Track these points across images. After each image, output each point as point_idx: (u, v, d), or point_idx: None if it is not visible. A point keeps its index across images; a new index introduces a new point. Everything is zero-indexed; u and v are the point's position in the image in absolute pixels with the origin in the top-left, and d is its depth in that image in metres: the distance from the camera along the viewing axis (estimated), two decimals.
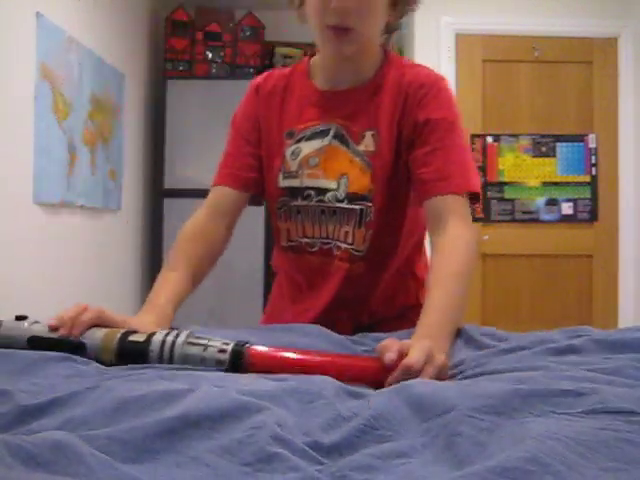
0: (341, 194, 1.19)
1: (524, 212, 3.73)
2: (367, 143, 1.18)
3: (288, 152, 1.23)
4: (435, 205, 1.13)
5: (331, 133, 1.20)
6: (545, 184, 3.73)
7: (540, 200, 3.73)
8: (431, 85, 1.17)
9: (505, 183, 3.72)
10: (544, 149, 3.73)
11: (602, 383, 0.71)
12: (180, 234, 1.29)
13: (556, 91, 3.75)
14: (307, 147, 1.21)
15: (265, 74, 1.40)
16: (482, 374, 0.84)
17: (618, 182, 3.73)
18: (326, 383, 0.75)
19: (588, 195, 3.73)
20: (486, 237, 3.70)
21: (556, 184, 3.73)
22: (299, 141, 1.23)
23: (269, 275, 3.88)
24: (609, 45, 3.74)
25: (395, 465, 0.56)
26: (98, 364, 0.87)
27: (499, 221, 3.72)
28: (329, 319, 1.18)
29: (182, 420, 0.58)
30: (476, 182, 1.17)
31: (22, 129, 2.43)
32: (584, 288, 3.74)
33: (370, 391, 0.78)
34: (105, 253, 3.36)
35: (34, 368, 0.82)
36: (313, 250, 1.24)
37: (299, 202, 1.23)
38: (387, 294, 1.27)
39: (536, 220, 3.73)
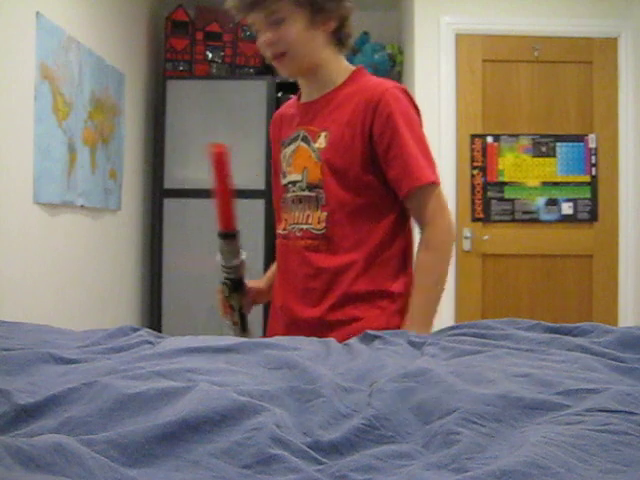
0: (304, 184, 1.44)
1: (524, 212, 3.73)
2: (321, 141, 1.42)
3: (282, 157, 1.53)
4: (410, 203, 1.41)
5: (300, 137, 1.47)
6: (545, 184, 3.73)
7: (540, 200, 3.73)
8: (380, 100, 1.37)
9: (505, 183, 3.72)
10: (544, 149, 3.73)
11: (604, 383, 0.71)
12: None
13: (556, 91, 3.75)
14: (288, 150, 1.50)
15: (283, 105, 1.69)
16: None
17: (618, 182, 3.73)
18: (323, 379, 0.75)
19: (588, 195, 3.73)
20: (486, 237, 3.70)
21: (556, 184, 3.73)
22: (286, 147, 1.52)
23: None
24: (609, 45, 3.74)
25: (395, 466, 0.56)
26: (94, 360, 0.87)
27: (499, 221, 3.72)
28: (298, 295, 1.44)
29: (181, 424, 0.58)
30: (430, 172, 1.38)
31: (22, 129, 2.42)
32: (584, 288, 3.73)
33: (368, 388, 0.78)
34: (105, 253, 3.36)
35: (31, 367, 0.82)
36: (286, 234, 1.50)
37: (285, 195, 1.51)
38: (349, 278, 1.41)
39: (536, 220, 3.73)
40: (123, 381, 0.72)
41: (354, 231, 1.41)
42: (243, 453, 0.56)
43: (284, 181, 1.51)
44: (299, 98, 1.57)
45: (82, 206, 2.96)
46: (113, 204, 3.39)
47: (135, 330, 1.26)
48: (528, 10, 3.69)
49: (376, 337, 1.24)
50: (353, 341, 1.19)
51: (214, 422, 0.60)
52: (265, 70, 4.05)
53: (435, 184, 1.39)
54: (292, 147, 1.48)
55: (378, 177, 1.40)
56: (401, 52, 4.06)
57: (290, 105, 1.60)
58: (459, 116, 3.69)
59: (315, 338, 1.25)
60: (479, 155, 3.70)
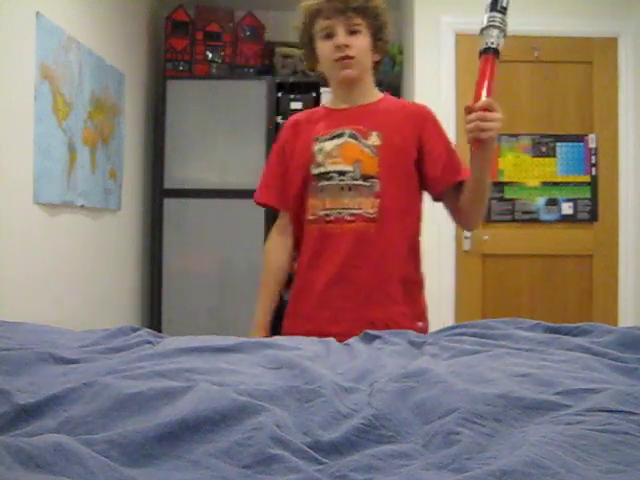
0: (357, 174, 1.63)
1: (524, 212, 3.73)
2: (373, 140, 1.65)
3: (316, 149, 1.68)
4: (449, 194, 1.68)
5: (346, 134, 1.67)
6: (545, 184, 3.72)
7: (540, 200, 3.72)
8: (427, 112, 1.73)
9: (505, 183, 3.71)
10: (544, 149, 3.73)
11: (604, 382, 0.71)
12: None
13: (556, 91, 3.75)
14: (329, 145, 1.67)
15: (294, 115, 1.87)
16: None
17: (618, 182, 3.72)
18: (323, 379, 0.75)
19: (588, 195, 3.72)
20: (486, 237, 3.69)
21: (556, 184, 3.73)
22: (323, 142, 1.68)
23: None
24: (609, 45, 3.73)
25: (395, 466, 0.56)
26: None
27: (499, 221, 3.72)
28: (344, 277, 1.62)
29: (181, 424, 0.58)
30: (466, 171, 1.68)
31: (22, 129, 2.42)
32: (584, 288, 3.73)
33: (368, 388, 0.78)
34: (105, 253, 3.36)
35: (31, 367, 0.82)
36: (330, 219, 1.64)
37: (323, 183, 1.65)
38: (395, 261, 1.64)
39: (536, 220, 3.72)
40: (123, 381, 0.72)
41: (400, 220, 1.65)
42: (243, 453, 0.56)
43: (319, 170, 1.66)
44: (326, 106, 1.80)
45: (82, 206, 2.96)
46: (113, 204, 3.39)
47: (135, 330, 1.26)
48: (528, 10, 3.69)
49: (376, 337, 1.24)
50: (353, 341, 1.19)
51: (214, 422, 0.60)
52: (265, 70, 4.05)
53: None
54: (336, 142, 1.67)
55: (418, 176, 1.68)
56: (401, 52, 4.06)
57: (314, 112, 1.81)
58: (459, 116, 3.69)
59: (315, 338, 1.26)
60: None
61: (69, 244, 2.88)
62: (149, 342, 1.13)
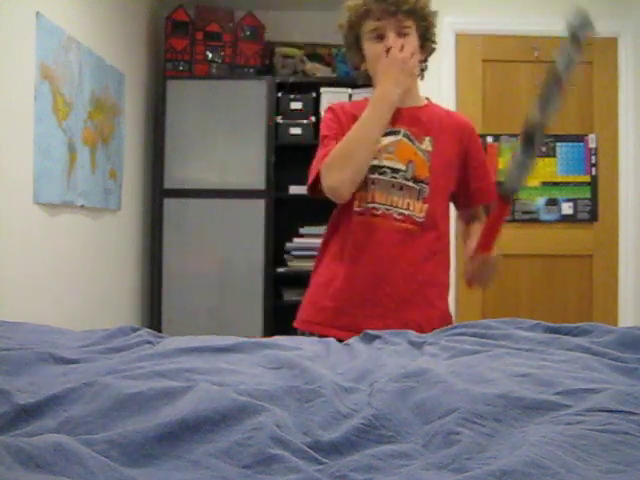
0: (409, 175, 1.65)
1: (524, 212, 3.73)
2: (426, 145, 1.68)
3: None
4: (477, 209, 1.79)
5: (401, 133, 1.67)
6: (545, 184, 3.72)
7: (540, 200, 3.73)
8: (473, 128, 1.79)
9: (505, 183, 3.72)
10: (544, 149, 3.73)
11: (604, 382, 0.71)
12: None
13: None
14: (384, 140, 1.65)
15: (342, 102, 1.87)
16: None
17: (618, 182, 3.72)
18: (323, 379, 0.75)
19: (588, 195, 3.72)
20: None
21: (556, 184, 3.73)
22: None
23: (269, 275, 3.87)
24: (609, 45, 3.73)
25: (395, 466, 0.56)
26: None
27: None
28: (386, 276, 1.63)
29: (181, 424, 0.58)
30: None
31: (22, 129, 2.42)
32: (584, 288, 3.73)
33: (368, 388, 0.78)
34: (105, 253, 3.36)
35: (31, 367, 0.81)
36: (377, 213, 1.64)
37: (376, 176, 1.65)
38: (433, 266, 1.68)
39: (536, 220, 3.72)
40: (123, 381, 0.72)
41: (441, 227, 1.70)
42: (243, 453, 0.56)
43: (374, 162, 1.64)
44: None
45: (82, 206, 2.96)
46: (113, 204, 3.39)
47: (135, 330, 1.26)
48: (528, 10, 3.69)
49: (376, 337, 1.24)
50: (353, 341, 1.19)
51: (214, 422, 0.60)
52: (265, 70, 4.05)
53: None
54: (391, 138, 1.66)
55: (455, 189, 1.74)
56: None
57: (359, 104, 1.75)
58: None
59: (315, 338, 1.26)
60: None
61: (69, 244, 2.88)
62: (149, 342, 1.13)
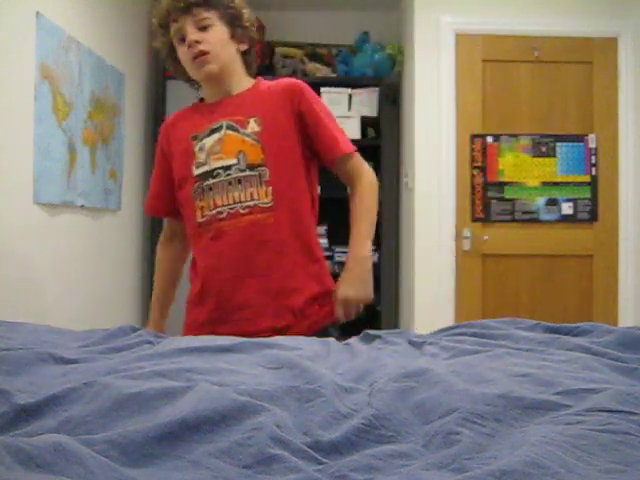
0: (243, 165, 1.59)
1: (524, 212, 3.73)
2: (252, 126, 1.61)
3: (196, 149, 1.64)
4: (338, 169, 1.67)
5: (224, 127, 1.62)
6: (545, 184, 3.72)
7: (540, 200, 3.73)
8: (302, 88, 1.66)
9: (505, 183, 3.71)
10: (544, 149, 3.73)
11: (604, 382, 0.71)
12: None
13: (556, 91, 3.75)
14: (209, 141, 1.63)
15: (171, 116, 1.83)
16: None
17: (618, 182, 3.72)
18: (323, 379, 0.75)
19: (588, 195, 3.73)
20: (486, 237, 3.69)
21: (556, 184, 3.73)
22: (202, 139, 1.64)
23: None
24: (609, 45, 3.73)
25: (395, 466, 0.56)
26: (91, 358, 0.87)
27: (499, 221, 3.72)
28: (252, 272, 1.58)
29: (181, 424, 0.58)
30: (349, 143, 1.68)
31: (22, 129, 2.42)
32: (584, 288, 3.73)
33: (368, 388, 0.78)
34: (105, 253, 3.36)
35: (31, 367, 0.81)
36: (222, 217, 1.59)
37: (210, 181, 1.61)
38: (297, 246, 1.62)
39: (536, 220, 3.72)
40: (123, 381, 0.72)
41: (292, 201, 1.62)
42: (243, 453, 0.56)
43: (201, 170, 1.62)
44: (199, 102, 1.76)
45: (82, 206, 2.96)
46: (113, 204, 3.39)
47: (135, 330, 1.26)
48: (528, 10, 3.69)
49: (376, 337, 1.24)
50: (353, 341, 1.19)
51: (214, 422, 0.60)
52: (265, 70, 4.05)
53: (353, 153, 1.68)
54: (215, 137, 1.62)
55: (305, 149, 1.65)
56: (401, 52, 4.06)
57: (188, 109, 1.76)
58: (459, 116, 3.69)
59: (315, 338, 1.26)
60: (479, 155, 3.70)
61: (69, 244, 2.87)
62: (149, 342, 1.13)
